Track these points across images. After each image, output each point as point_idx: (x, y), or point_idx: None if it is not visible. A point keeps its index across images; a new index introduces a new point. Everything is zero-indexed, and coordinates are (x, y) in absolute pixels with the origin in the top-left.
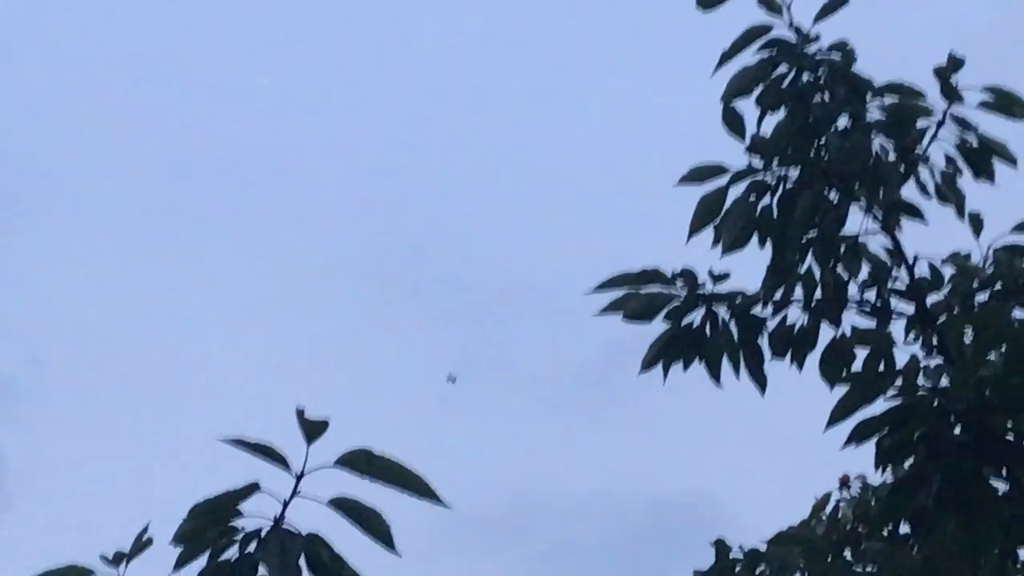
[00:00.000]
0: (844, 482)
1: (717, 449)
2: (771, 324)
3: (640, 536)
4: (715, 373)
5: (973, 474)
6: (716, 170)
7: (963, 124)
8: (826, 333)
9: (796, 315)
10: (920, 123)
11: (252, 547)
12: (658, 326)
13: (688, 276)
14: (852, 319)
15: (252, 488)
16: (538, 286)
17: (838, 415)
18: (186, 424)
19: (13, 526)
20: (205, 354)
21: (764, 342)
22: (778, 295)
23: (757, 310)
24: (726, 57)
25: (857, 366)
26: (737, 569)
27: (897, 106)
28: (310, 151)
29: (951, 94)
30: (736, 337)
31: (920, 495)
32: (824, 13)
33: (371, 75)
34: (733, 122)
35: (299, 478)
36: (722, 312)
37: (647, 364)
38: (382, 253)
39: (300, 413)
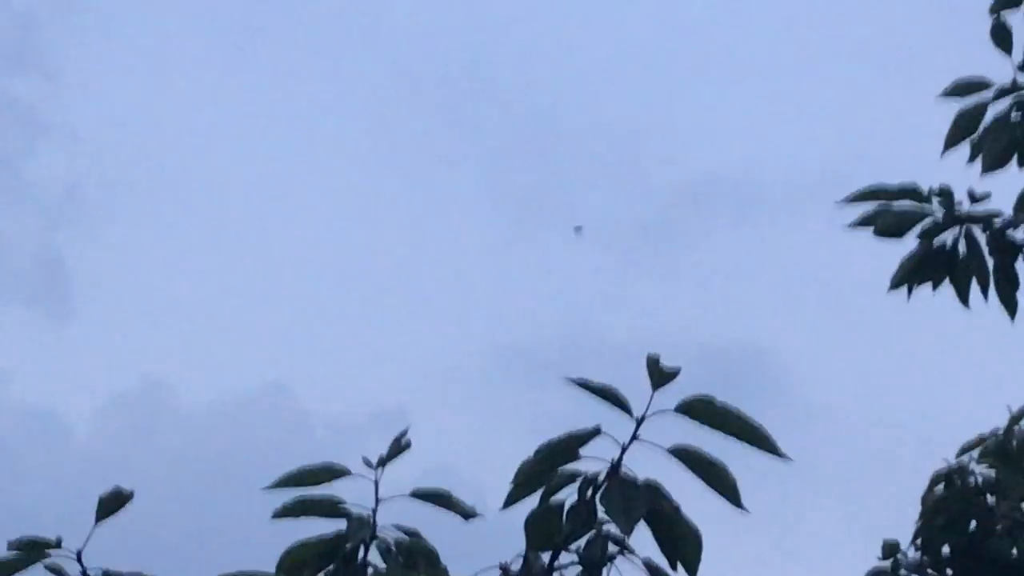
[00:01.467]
0: None
1: (780, 306)
2: None
3: (692, 382)
4: (964, 296)
5: None
6: (979, 85)
7: None
8: None
9: None
10: None
11: (590, 493)
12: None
13: (945, 194)
14: None
15: (595, 432)
16: (611, 129)
17: None
18: (251, 246)
19: (75, 335)
20: (272, 177)
21: (1019, 267)
22: None
23: (1013, 233)
24: None
25: None
26: None
27: None
28: None
29: None
30: (989, 260)
31: None
32: None
33: None
34: (1001, 36)
35: (639, 422)
36: (977, 233)
37: (896, 283)
38: (456, 83)
39: (654, 360)
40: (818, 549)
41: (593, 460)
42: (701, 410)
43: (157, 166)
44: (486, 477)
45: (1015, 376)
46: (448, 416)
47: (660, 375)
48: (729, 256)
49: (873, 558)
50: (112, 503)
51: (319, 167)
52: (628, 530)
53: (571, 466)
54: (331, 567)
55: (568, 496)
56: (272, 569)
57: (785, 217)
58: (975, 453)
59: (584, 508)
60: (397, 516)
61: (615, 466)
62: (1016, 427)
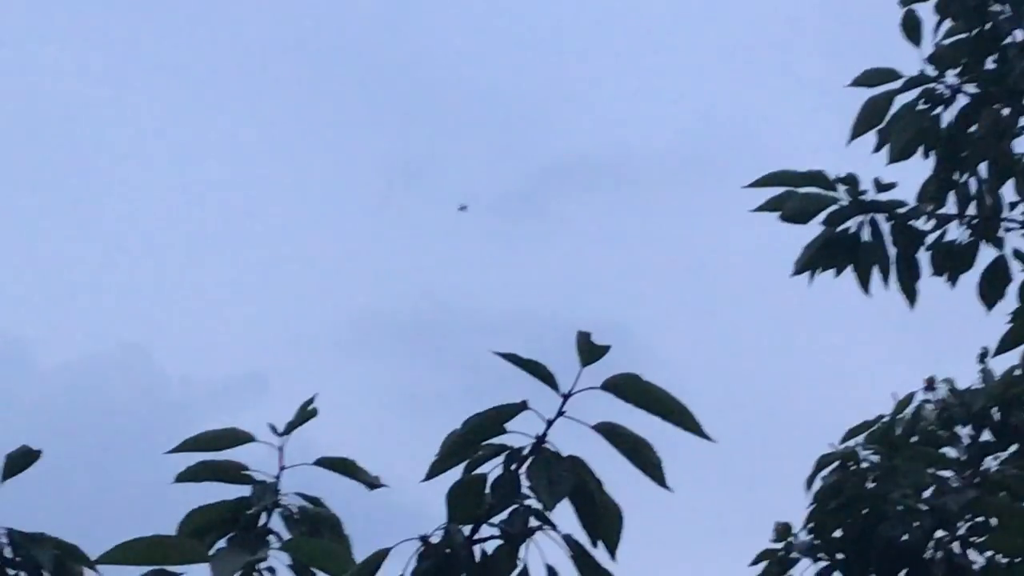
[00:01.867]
0: (929, 384)
1: (638, 284)
2: (929, 239)
3: (553, 357)
4: (864, 282)
5: None
6: (888, 75)
7: None
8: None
9: (955, 232)
10: None
11: (515, 467)
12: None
13: (851, 181)
14: (1014, 241)
15: (521, 406)
16: (487, 99)
17: (1007, 345)
18: (112, 206)
19: None
20: (136, 136)
21: (920, 256)
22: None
23: (916, 223)
24: None
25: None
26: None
27: None
28: None
29: None
30: (892, 249)
31: None
32: None
33: None
34: (911, 27)
35: (566, 398)
36: (881, 222)
37: (800, 268)
38: (334, 48)
39: (584, 336)
40: (703, 533)
41: (517, 435)
42: (627, 388)
43: (13, 121)
44: (346, 445)
45: (894, 363)
46: (307, 381)
47: (590, 352)
48: (597, 233)
49: (765, 540)
50: (20, 461)
51: (186, 127)
52: (552, 505)
53: (496, 440)
54: (233, 533)
55: (491, 470)
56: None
57: (654, 197)
58: (860, 438)
59: (508, 481)
60: (300, 484)
61: (540, 440)
62: (901, 414)
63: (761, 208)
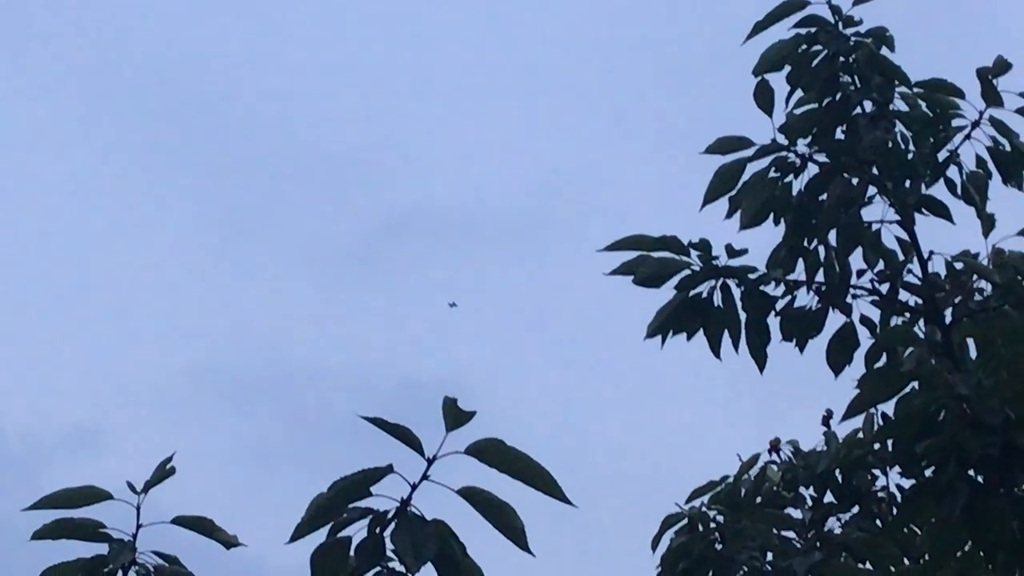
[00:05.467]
0: (774, 446)
1: (474, 338)
2: (779, 304)
3: (391, 411)
4: (715, 347)
5: (996, 487)
6: (741, 143)
7: (1000, 128)
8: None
9: (805, 298)
10: (955, 122)
11: (379, 530)
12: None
13: (704, 247)
14: (862, 308)
15: (387, 470)
16: (328, 154)
17: (854, 411)
18: None
19: None
20: None
21: (771, 321)
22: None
23: (767, 288)
24: (759, 28)
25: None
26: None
27: (932, 101)
28: None
29: (992, 97)
30: (743, 314)
31: (945, 504)
32: None
33: None
34: (763, 97)
35: (430, 462)
36: (732, 287)
37: (652, 332)
38: (170, 100)
39: (452, 401)
40: None
41: (383, 498)
42: (490, 452)
43: None
44: (189, 499)
45: (740, 425)
46: (144, 435)
47: (456, 417)
48: (435, 287)
49: None
50: None
51: (25, 177)
52: (415, 568)
53: (362, 503)
54: None
55: (356, 532)
56: None
57: (494, 252)
58: (705, 498)
59: (372, 545)
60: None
61: (404, 504)
62: (746, 475)
63: (615, 272)
